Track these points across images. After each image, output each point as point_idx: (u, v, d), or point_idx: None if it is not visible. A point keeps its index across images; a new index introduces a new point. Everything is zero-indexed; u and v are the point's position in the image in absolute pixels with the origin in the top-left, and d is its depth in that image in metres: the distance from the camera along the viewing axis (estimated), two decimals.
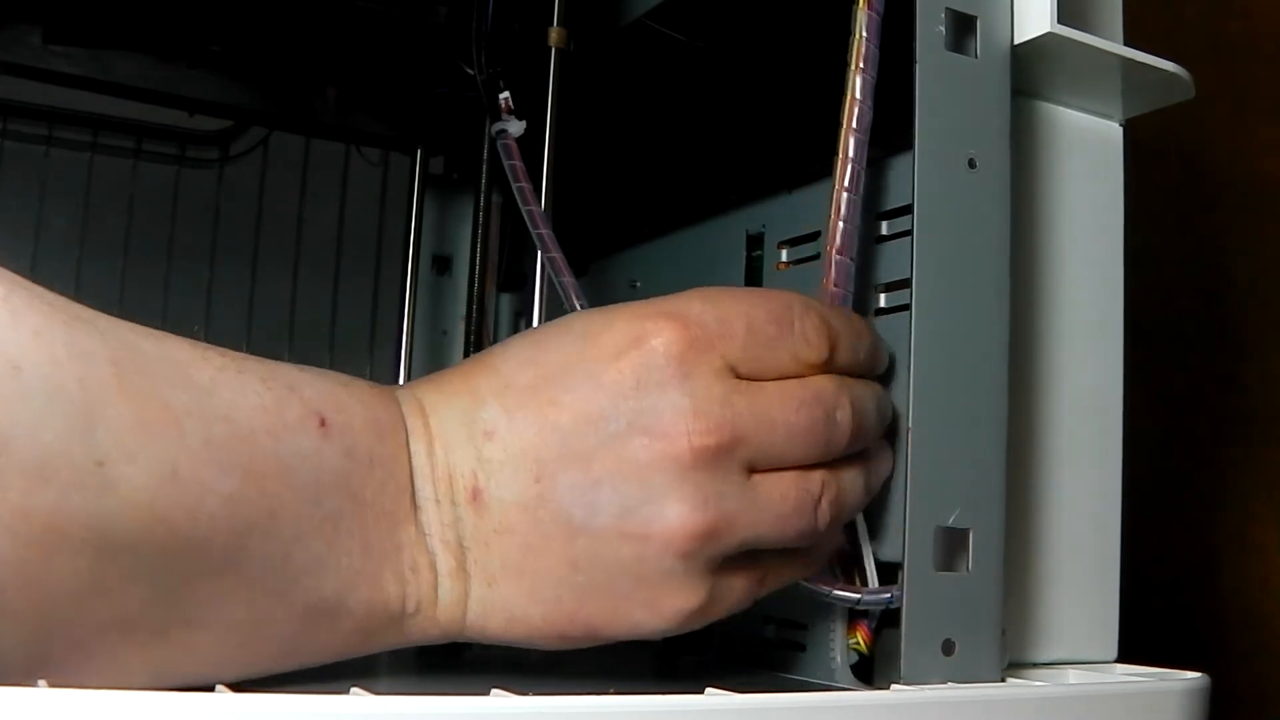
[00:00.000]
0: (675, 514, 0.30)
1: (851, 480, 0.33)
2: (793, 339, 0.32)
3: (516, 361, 0.32)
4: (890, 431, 0.35)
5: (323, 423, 0.28)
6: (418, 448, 0.31)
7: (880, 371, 0.35)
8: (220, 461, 0.26)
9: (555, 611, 0.31)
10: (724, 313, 0.32)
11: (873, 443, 0.34)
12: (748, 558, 0.32)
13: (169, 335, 0.27)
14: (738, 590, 0.32)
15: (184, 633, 0.26)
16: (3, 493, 0.23)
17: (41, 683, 0.23)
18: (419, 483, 0.30)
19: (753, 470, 0.31)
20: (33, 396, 0.23)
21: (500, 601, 0.30)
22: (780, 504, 0.31)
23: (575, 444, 0.30)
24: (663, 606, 0.31)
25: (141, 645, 0.26)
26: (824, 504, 0.32)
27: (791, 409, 0.32)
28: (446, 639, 0.31)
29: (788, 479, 0.32)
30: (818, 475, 0.32)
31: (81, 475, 0.24)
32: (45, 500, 0.23)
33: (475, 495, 0.30)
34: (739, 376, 0.31)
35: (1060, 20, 0.35)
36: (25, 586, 0.23)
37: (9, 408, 0.23)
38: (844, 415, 0.32)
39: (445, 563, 0.30)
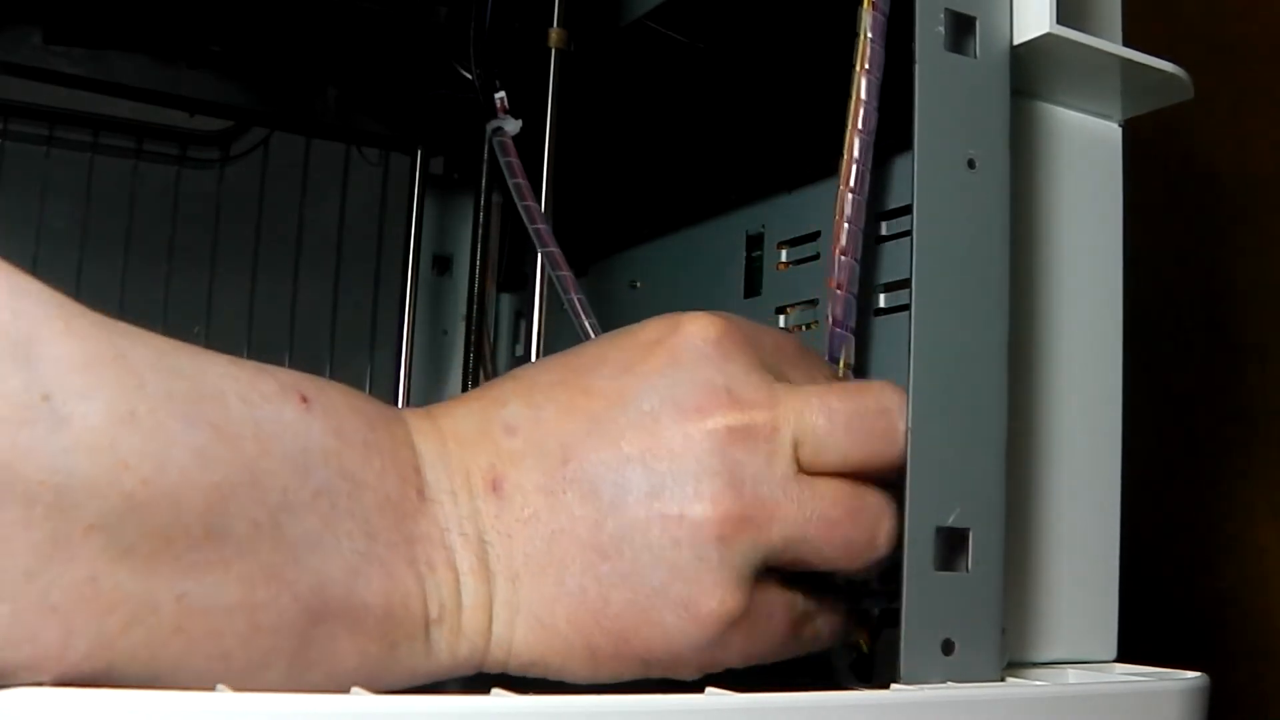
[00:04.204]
0: (710, 492, 0.28)
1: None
2: (815, 363, 0.33)
3: (543, 365, 0.32)
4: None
5: (304, 399, 0.27)
6: (425, 443, 0.29)
7: None
8: (186, 414, 0.24)
9: (580, 608, 0.28)
10: (753, 326, 0.32)
11: None
12: (793, 581, 0.30)
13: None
14: (779, 616, 0.30)
15: (177, 613, 0.24)
16: None
17: (43, 681, 0.23)
18: (430, 475, 0.29)
19: (799, 467, 0.30)
20: None
21: (525, 602, 0.29)
22: (831, 506, 0.30)
23: (605, 425, 0.29)
24: (698, 607, 0.28)
25: (130, 620, 0.24)
26: (887, 523, 0.31)
27: (835, 395, 0.30)
28: (477, 659, 0.29)
29: (840, 482, 0.30)
30: (876, 490, 0.31)
31: (26, 410, 0.22)
32: None
33: (495, 485, 0.29)
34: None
35: (1059, 21, 0.35)
36: None
37: None
38: (905, 425, 0.31)
39: (465, 559, 0.28)
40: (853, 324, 0.36)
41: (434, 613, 0.28)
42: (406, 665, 0.28)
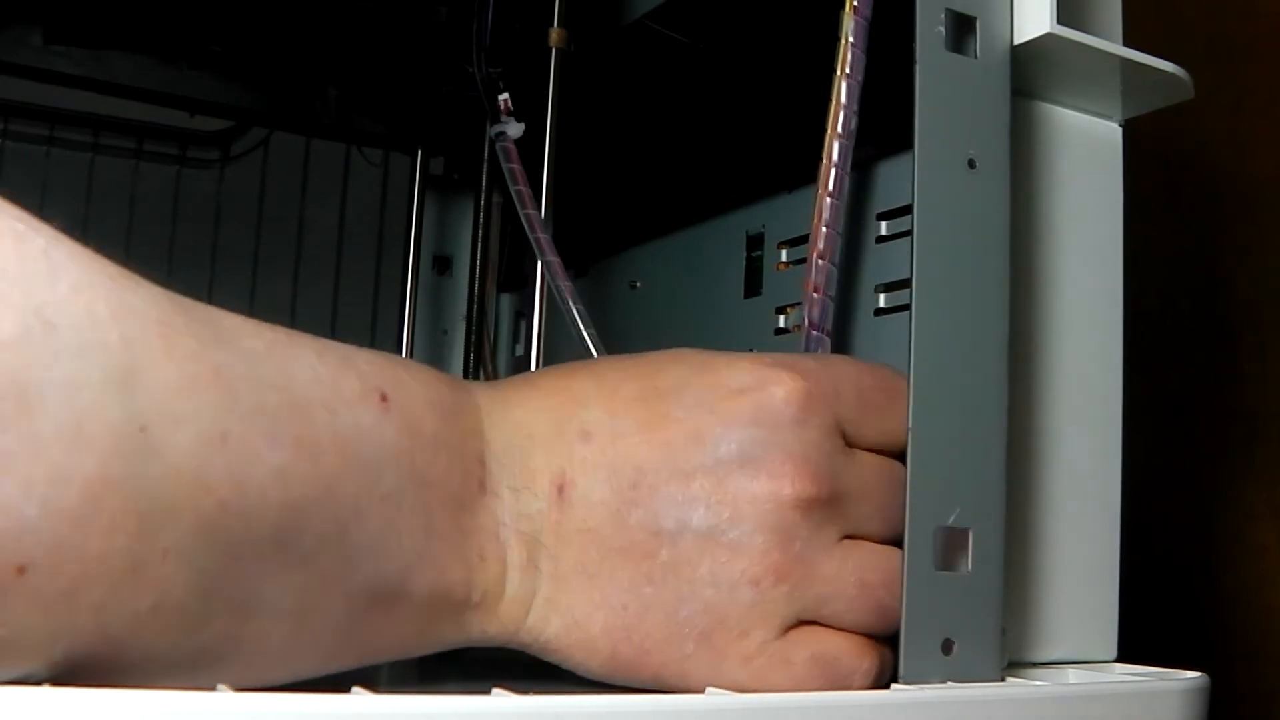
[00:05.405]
0: (759, 544, 0.30)
1: None
2: (899, 411, 0.33)
3: (624, 373, 0.32)
4: None
5: (383, 398, 0.28)
6: (495, 434, 0.30)
7: None
8: (273, 431, 0.25)
9: (617, 621, 0.30)
10: (837, 375, 0.32)
11: None
12: (819, 638, 0.31)
13: (216, 307, 0.26)
14: (802, 659, 0.30)
15: (230, 622, 0.25)
16: (35, 459, 0.21)
17: (44, 682, 0.23)
18: (495, 470, 0.30)
19: (845, 534, 0.31)
20: (67, 354, 0.22)
21: (565, 603, 0.30)
22: (870, 572, 0.31)
23: (680, 460, 0.30)
24: (714, 639, 0.30)
25: (182, 636, 0.24)
26: None
27: (885, 486, 0.32)
28: (503, 640, 0.30)
29: (881, 549, 0.31)
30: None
31: (122, 440, 0.22)
32: (83, 467, 0.22)
33: (561, 490, 0.30)
34: (844, 438, 0.32)
35: (1060, 21, 0.35)
36: (57, 565, 0.22)
37: (42, 367, 0.21)
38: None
39: (516, 555, 0.30)
40: (829, 327, 0.36)
41: (475, 599, 0.29)
42: (436, 641, 0.29)
